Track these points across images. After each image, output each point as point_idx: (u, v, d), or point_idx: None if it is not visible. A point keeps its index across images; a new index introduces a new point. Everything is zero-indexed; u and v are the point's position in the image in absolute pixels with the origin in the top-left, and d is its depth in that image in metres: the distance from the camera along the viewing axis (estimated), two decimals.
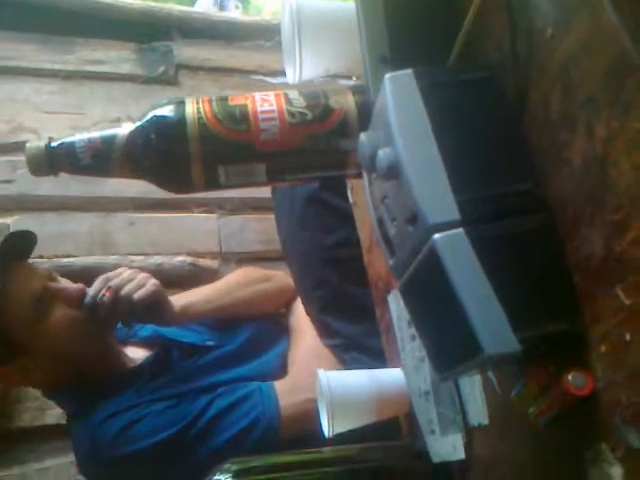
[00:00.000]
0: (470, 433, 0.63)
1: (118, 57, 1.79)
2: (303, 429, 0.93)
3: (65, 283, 1.01)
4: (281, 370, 1.08)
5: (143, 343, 1.14)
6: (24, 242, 1.01)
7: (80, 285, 1.01)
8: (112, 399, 0.97)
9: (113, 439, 0.92)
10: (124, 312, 0.98)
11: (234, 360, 1.10)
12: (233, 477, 0.66)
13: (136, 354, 1.11)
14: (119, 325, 1.09)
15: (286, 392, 0.99)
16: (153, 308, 1.01)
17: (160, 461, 0.92)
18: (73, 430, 1.01)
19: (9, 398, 1.40)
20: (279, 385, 1.01)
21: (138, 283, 1.00)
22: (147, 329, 1.16)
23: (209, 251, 1.69)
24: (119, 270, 1.05)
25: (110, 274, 1.02)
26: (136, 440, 0.92)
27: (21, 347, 0.95)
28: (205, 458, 0.90)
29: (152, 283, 1.01)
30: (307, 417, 0.92)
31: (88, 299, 0.98)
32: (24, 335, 0.94)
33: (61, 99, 1.72)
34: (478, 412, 0.60)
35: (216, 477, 0.67)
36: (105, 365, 1.03)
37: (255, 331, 1.20)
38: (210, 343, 1.14)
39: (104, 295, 0.98)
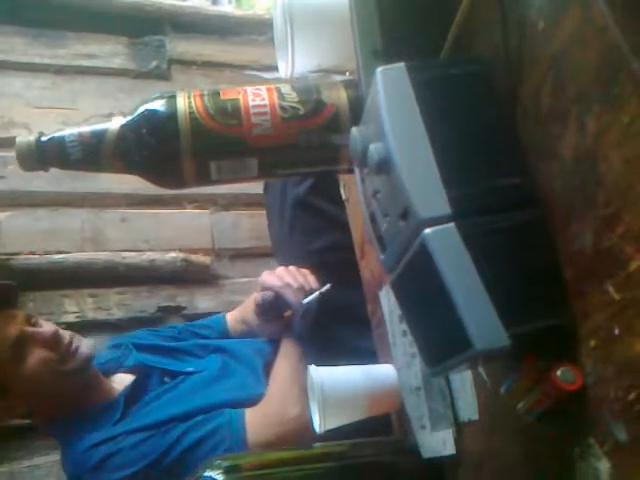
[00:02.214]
0: (461, 428, 0.63)
1: (110, 51, 1.78)
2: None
3: (43, 325, 1.07)
4: (260, 388, 1.10)
5: (130, 370, 1.18)
6: (6, 293, 1.08)
7: (53, 327, 1.06)
8: (92, 431, 1.03)
9: (92, 469, 0.98)
10: None
11: (210, 384, 1.12)
12: (223, 474, 0.66)
13: (123, 381, 1.16)
14: (109, 357, 1.19)
15: (255, 424, 1.01)
16: None
17: None
18: (62, 458, 1.07)
19: None
20: (249, 415, 1.02)
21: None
22: (132, 358, 1.20)
23: (202, 247, 1.68)
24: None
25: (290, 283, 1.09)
26: (111, 471, 0.97)
27: (3, 387, 1.01)
28: None
29: None
30: (274, 446, 0.97)
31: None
32: (4, 377, 1.01)
33: (52, 94, 1.71)
34: (468, 407, 0.60)
35: (206, 474, 0.66)
36: (83, 398, 1.08)
37: (231, 353, 1.22)
38: (190, 369, 1.18)
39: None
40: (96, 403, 1.08)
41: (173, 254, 1.63)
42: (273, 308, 1.10)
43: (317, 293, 1.08)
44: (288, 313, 1.09)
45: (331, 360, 1.03)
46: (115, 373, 1.17)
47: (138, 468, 0.96)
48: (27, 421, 1.38)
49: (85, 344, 1.08)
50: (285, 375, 1.07)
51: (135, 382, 1.13)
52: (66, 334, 1.07)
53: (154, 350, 1.24)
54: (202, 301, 1.61)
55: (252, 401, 1.05)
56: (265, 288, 1.11)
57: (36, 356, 1.02)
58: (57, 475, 1.35)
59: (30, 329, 1.04)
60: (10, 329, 1.01)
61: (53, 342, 1.04)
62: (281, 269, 1.12)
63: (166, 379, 1.15)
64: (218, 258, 1.69)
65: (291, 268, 1.12)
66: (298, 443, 0.95)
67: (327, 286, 1.10)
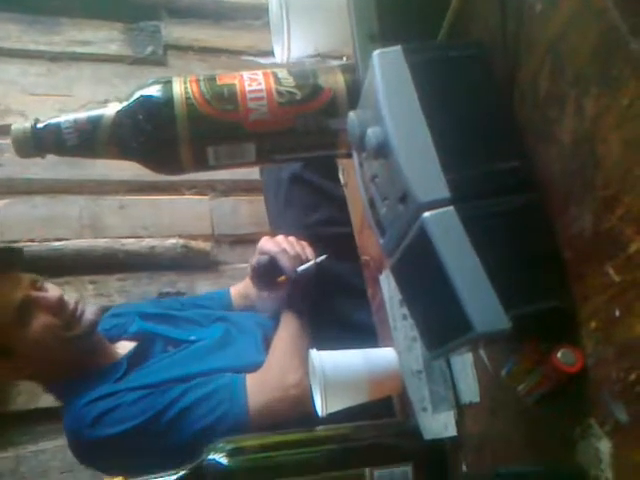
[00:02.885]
0: (462, 411, 0.63)
1: (105, 37, 1.76)
2: (272, 422, 0.96)
3: (49, 289, 1.07)
4: (259, 357, 1.10)
5: (133, 337, 1.19)
6: (9, 256, 1.09)
7: (58, 293, 1.06)
8: (94, 387, 1.03)
9: (91, 423, 0.99)
10: None
11: (211, 351, 1.13)
12: (227, 456, 0.66)
13: (126, 347, 1.16)
14: (113, 324, 1.20)
15: (255, 388, 1.01)
16: None
17: (128, 448, 0.98)
18: (63, 415, 1.07)
19: (3, 383, 1.41)
20: (250, 380, 1.03)
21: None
22: (135, 325, 1.21)
23: (201, 233, 1.68)
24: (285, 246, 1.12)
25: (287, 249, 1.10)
26: (109, 426, 0.98)
27: (8, 349, 1.02)
28: (171, 449, 0.96)
29: None
30: (275, 413, 0.99)
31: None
32: (9, 339, 1.01)
33: (48, 81, 1.70)
34: (469, 390, 0.60)
35: (210, 456, 0.67)
36: (88, 361, 1.09)
37: (233, 322, 1.24)
38: (192, 338, 1.18)
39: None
40: (100, 365, 1.09)
41: (173, 240, 1.63)
42: (267, 273, 1.11)
43: (312, 262, 1.09)
44: (281, 278, 1.09)
45: (329, 333, 1.05)
46: (118, 340, 1.18)
47: (136, 423, 0.96)
48: (31, 407, 1.40)
49: (90, 310, 1.08)
50: (285, 344, 1.07)
51: (138, 347, 1.14)
52: (71, 299, 1.07)
53: (158, 318, 1.24)
54: (202, 287, 1.61)
55: (252, 369, 1.05)
56: (262, 252, 1.12)
57: (40, 321, 1.02)
58: (62, 460, 1.37)
59: (35, 293, 1.04)
60: (15, 292, 1.01)
61: (58, 308, 1.04)
62: (280, 237, 1.13)
63: (169, 347, 1.16)
64: (218, 244, 1.69)
65: (290, 237, 1.13)
66: (297, 412, 0.96)
67: (323, 257, 1.11)
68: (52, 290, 1.07)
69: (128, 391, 1.02)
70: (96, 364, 1.09)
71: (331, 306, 1.12)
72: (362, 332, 0.95)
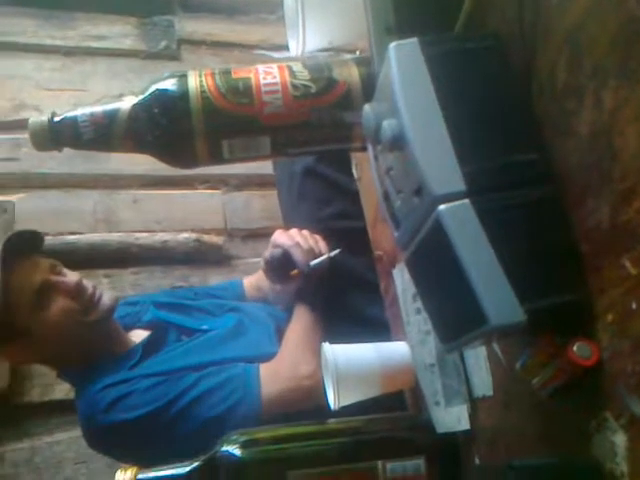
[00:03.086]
0: (475, 404, 0.63)
1: (120, 32, 1.77)
2: (284, 413, 0.97)
3: (68, 274, 1.08)
4: (272, 348, 1.11)
5: (146, 326, 1.20)
6: (30, 240, 1.09)
7: (77, 278, 1.07)
8: (108, 374, 1.04)
9: (105, 408, 0.99)
10: None
11: (224, 341, 1.14)
12: (240, 448, 0.66)
13: (140, 336, 1.17)
14: (127, 312, 1.20)
15: (269, 378, 1.02)
16: None
17: (142, 434, 0.98)
18: (76, 400, 1.08)
19: (19, 375, 1.42)
20: (263, 370, 1.03)
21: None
22: (150, 314, 1.22)
23: (214, 227, 1.69)
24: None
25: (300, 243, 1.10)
26: (123, 412, 0.98)
27: (24, 331, 1.02)
28: (184, 436, 0.96)
29: None
30: (287, 403, 0.99)
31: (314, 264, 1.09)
32: (27, 322, 1.02)
33: (63, 75, 1.71)
34: (483, 384, 0.60)
35: (224, 448, 0.67)
36: (103, 347, 1.09)
37: (246, 313, 1.24)
38: (205, 327, 1.19)
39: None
40: (115, 352, 1.10)
41: (186, 235, 1.63)
42: (280, 266, 1.10)
43: (325, 257, 1.09)
44: (294, 272, 1.09)
45: (342, 328, 1.05)
46: (132, 329, 1.18)
47: (149, 410, 0.97)
48: (45, 399, 1.41)
49: (107, 295, 1.09)
50: (298, 336, 1.08)
51: (153, 335, 1.15)
52: (89, 284, 1.08)
53: (171, 308, 1.25)
54: (215, 281, 1.62)
55: (264, 359, 1.06)
56: (276, 246, 1.12)
57: (59, 305, 1.03)
58: (77, 451, 1.38)
59: (54, 277, 1.04)
60: (35, 276, 1.02)
61: (76, 292, 1.05)
62: (294, 230, 1.13)
63: (183, 337, 1.17)
64: (230, 238, 1.70)
65: (304, 231, 1.12)
66: (309, 403, 0.96)
67: (336, 251, 1.10)
68: (70, 275, 1.08)
69: (142, 378, 1.02)
70: (111, 351, 1.10)
71: (343, 300, 1.12)
72: (375, 327, 0.95)
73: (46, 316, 1.02)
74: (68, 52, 1.73)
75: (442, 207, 0.42)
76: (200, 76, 0.67)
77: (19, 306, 1.00)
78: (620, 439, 0.40)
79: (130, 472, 0.67)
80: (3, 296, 0.98)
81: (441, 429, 0.68)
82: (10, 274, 1.00)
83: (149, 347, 1.11)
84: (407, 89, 0.45)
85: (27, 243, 1.07)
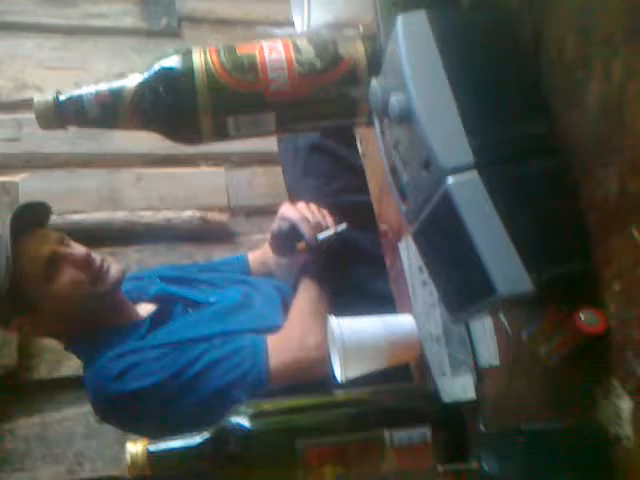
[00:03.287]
0: (481, 374, 0.64)
1: (120, 10, 1.76)
2: (291, 384, 0.98)
3: (76, 247, 1.09)
4: (278, 320, 1.11)
5: (153, 300, 1.20)
6: (39, 211, 1.09)
7: (86, 250, 1.08)
8: (117, 345, 1.05)
9: (114, 378, 1.00)
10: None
11: (231, 312, 1.14)
12: (249, 419, 0.68)
13: (146, 309, 1.18)
14: (133, 286, 1.20)
15: (276, 349, 1.02)
16: None
17: (151, 403, 0.99)
18: (85, 372, 1.09)
19: (27, 352, 1.44)
20: (271, 340, 1.04)
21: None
22: (156, 287, 1.22)
23: (217, 205, 1.69)
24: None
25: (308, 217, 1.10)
26: (133, 381, 0.99)
27: (33, 303, 1.03)
28: (191, 406, 0.97)
29: None
30: (295, 373, 1.00)
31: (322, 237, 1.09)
32: (36, 293, 1.03)
33: (63, 55, 1.70)
34: (489, 354, 0.61)
35: (232, 420, 0.68)
36: (111, 318, 1.10)
37: (251, 285, 1.25)
38: (212, 300, 1.20)
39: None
40: (123, 324, 1.11)
41: (189, 212, 1.64)
42: (287, 239, 1.10)
43: (332, 231, 1.09)
44: (301, 246, 1.10)
45: (347, 302, 1.06)
46: (138, 303, 1.19)
47: (158, 379, 0.98)
48: (54, 375, 1.43)
49: (115, 267, 1.10)
50: (305, 308, 1.08)
51: (160, 308, 1.16)
52: (97, 256, 1.09)
53: (177, 281, 1.26)
54: (219, 258, 1.63)
55: (271, 331, 1.06)
56: (283, 219, 1.12)
57: (67, 276, 1.04)
58: (86, 426, 1.40)
59: (63, 249, 1.05)
60: (43, 247, 1.03)
61: (85, 263, 1.05)
62: (302, 204, 1.13)
63: (189, 309, 1.17)
64: (234, 215, 1.70)
65: (312, 205, 1.12)
66: (316, 374, 0.97)
67: (343, 226, 1.10)
68: (79, 248, 1.08)
69: (151, 348, 1.03)
70: (119, 323, 1.10)
71: (349, 274, 1.13)
72: (380, 300, 0.96)
73: (55, 287, 1.03)
74: (69, 31, 1.71)
75: (450, 179, 0.42)
76: (204, 53, 0.67)
77: (29, 277, 1.01)
78: (626, 404, 0.41)
79: (141, 444, 0.68)
80: (13, 267, 0.99)
81: (447, 399, 0.69)
82: (20, 245, 1.00)
83: (157, 319, 1.12)
84: (415, 62, 0.45)
85: (36, 215, 1.08)
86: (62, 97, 0.67)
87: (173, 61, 0.67)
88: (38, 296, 1.02)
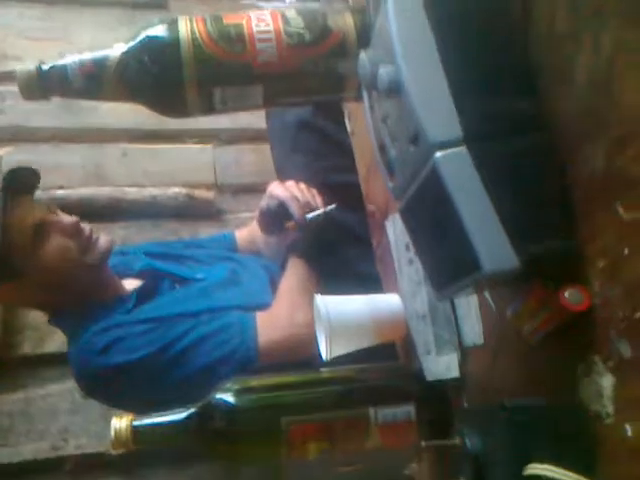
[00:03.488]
0: (465, 353, 0.64)
1: None
2: (281, 359, 0.98)
3: (62, 216, 1.07)
4: (266, 298, 1.11)
5: (138, 275, 1.19)
6: (28, 178, 1.07)
7: (75, 218, 1.06)
8: (103, 318, 1.04)
9: (99, 352, 0.99)
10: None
11: (219, 289, 1.14)
12: (234, 395, 0.68)
13: (132, 285, 1.16)
14: (118, 261, 1.18)
15: (265, 326, 1.02)
16: None
17: (137, 378, 0.99)
18: (69, 346, 1.08)
19: (10, 327, 1.43)
20: (260, 317, 1.03)
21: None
22: (141, 262, 1.21)
23: (204, 182, 1.68)
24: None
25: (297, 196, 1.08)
26: (119, 354, 0.99)
27: (21, 270, 1.01)
28: (177, 382, 0.97)
29: None
30: (284, 351, 1.00)
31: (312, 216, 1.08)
32: (23, 260, 1.00)
33: (46, 25, 1.67)
34: (473, 332, 0.61)
35: (217, 396, 0.68)
36: (98, 291, 1.09)
37: (239, 262, 1.24)
38: (199, 276, 1.19)
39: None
40: (109, 298, 1.10)
41: (175, 189, 1.62)
42: (276, 217, 1.10)
43: (321, 211, 1.09)
44: (290, 224, 1.10)
45: (334, 283, 1.05)
46: (124, 278, 1.18)
47: (144, 354, 0.98)
48: (38, 352, 1.42)
49: (104, 238, 1.09)
50: (293, 286, 1.08)
51: (146, 283, 1.15)
52: (86, 226, 1.07)
53: (163, 257, 1.25)
54: (206, 235, 1.62)
55: (259, 308, 1.06)
56: (272, 197, 1.11)
57: (55, 243, 1.02)
58: (71, 402, 1.40)
59: (51, 217, 1.04)
60: (33, 213, 1.01)
61: (74, 231, 1.04)
62: (291, 182, 1.12)
63: (176, 285, 1.17)
64: (221, 193, 1.69)
65: (301, 184, 1.12)
66: (304, 352, 0.95)
67: (332, 206, 1.10)
68: (67, 216, 1.07)
69: (137, 323, 1.02)
70: (105, 297, 1.09)
71: (336, 255, 1.13)
72: (366, 281, 0.95)
73: (43, 254, 1.01)
74: (51, 1, 1.68)
75: (438, 154, 0.42)
76: (191, 22, 0.65)
77: (16, 244, 0.99)
78: (607, 382, 0.41)
79: (125, 419, 0.68)
80: (2, 235, 0.96)
81: (431, 377, 0.70)
82: (8, 211, 0.98)
83: (143, 294, 1.11)
84: (404, 34, 0.44)
85: (25, 181, 1.05)
86: (45, 67, 0.66)
87: (159, 30, 0.66)
88: (26, 263, 1.00)
